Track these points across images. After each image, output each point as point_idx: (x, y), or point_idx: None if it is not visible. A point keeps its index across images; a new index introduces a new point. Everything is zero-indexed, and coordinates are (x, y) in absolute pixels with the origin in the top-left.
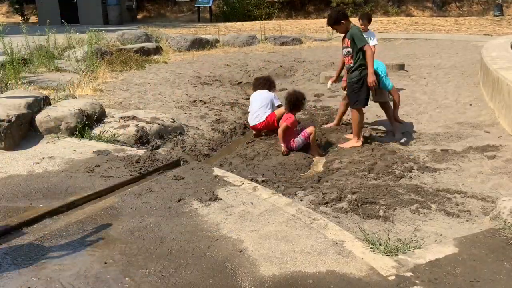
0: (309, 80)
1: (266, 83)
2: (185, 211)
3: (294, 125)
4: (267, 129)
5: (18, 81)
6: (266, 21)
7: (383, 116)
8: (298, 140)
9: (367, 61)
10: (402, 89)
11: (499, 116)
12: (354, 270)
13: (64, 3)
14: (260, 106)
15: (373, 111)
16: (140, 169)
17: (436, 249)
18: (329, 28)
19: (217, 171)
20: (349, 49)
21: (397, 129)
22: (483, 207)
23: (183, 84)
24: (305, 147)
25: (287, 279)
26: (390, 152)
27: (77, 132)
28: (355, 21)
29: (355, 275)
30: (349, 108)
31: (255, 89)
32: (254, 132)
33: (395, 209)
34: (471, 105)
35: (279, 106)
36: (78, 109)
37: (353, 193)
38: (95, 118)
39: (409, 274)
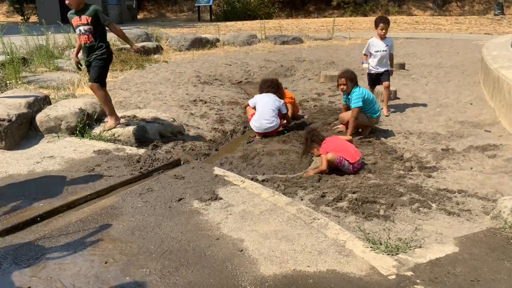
0: (310, 79)
1: (274, 87)
2: (185, 211)
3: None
4: (273, 132)
5: (18, 80)
6: (266, 20)
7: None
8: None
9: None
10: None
11: (500, 115)
12: (354, 269)
13: (65, 3)
14: (270, 113)
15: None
16: (141, 168)
17: (436, 248)
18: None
19: (218, 171)
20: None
21: None
22: (484, 206)
23: (184, 84)
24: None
25: (287, 278)
26: (390, 151)
27: (77, 132)
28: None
29: (355, 275)
30: None
31: (262, 91)
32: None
33: (396, 208)
34: (471, 104)
35: (284, 115)
36: (79, 109)
37: (354, 193)
38: (95, 117)
39: (409, 273)
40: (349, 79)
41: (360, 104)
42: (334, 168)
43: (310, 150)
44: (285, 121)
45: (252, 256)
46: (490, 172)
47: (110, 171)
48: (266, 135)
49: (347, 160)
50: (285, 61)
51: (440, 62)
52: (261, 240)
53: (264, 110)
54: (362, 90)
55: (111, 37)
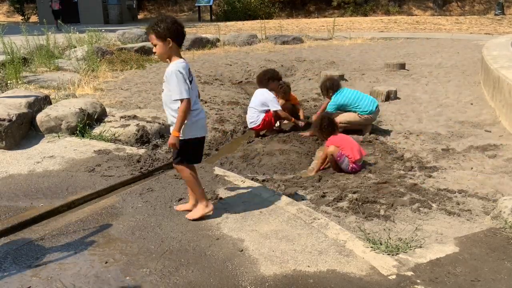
0: (310, 79)
1: (261, 81)
2: (185, 211)
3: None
4: (265, 129)
5: (18, 80)
6: (266, 20)
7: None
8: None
9: None
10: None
11: (500, 115)
12: (355, 269)
13: (65, 3)
14: (254, 109)
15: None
16: (141, 168)
17: (437, 248)
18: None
19: (218, 171)
20: None
21: None
22: (484, 206)
23: None
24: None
25: (287, 278)
26: (390, 151)
27: (77, 132)
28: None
29: (356, 275)
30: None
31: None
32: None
33: (396, 208)
34: (472, 104)
35: (276, 112)
36: (79, 109)
37: (354, 192)
38: (95, 117)
39: (410, 273)
40: (325, 89)
41: (331, 110)
42: (334, 168)
43: (323, 136)
44: (285, 122)
45: (253, 256)
46: (490, 172)
47: (110, 171)
48: (254, 130)
49: (347, 157)
50: (286, 61)
51: (441, 62)
52: (261, 240)
53: (250, 106)
54: (339, 97)
55: (111, 37)
